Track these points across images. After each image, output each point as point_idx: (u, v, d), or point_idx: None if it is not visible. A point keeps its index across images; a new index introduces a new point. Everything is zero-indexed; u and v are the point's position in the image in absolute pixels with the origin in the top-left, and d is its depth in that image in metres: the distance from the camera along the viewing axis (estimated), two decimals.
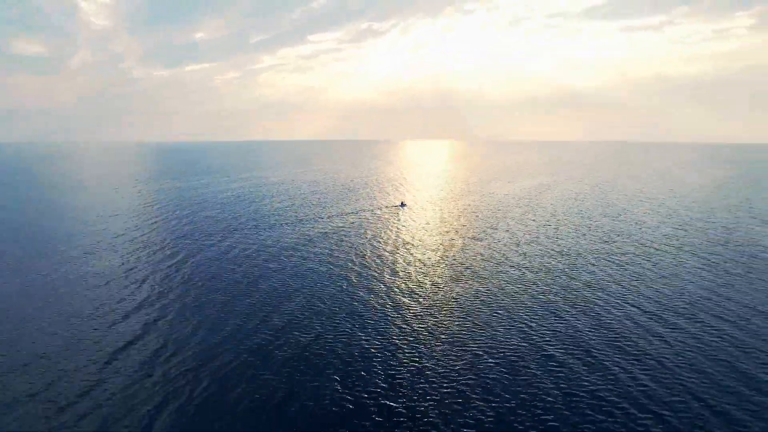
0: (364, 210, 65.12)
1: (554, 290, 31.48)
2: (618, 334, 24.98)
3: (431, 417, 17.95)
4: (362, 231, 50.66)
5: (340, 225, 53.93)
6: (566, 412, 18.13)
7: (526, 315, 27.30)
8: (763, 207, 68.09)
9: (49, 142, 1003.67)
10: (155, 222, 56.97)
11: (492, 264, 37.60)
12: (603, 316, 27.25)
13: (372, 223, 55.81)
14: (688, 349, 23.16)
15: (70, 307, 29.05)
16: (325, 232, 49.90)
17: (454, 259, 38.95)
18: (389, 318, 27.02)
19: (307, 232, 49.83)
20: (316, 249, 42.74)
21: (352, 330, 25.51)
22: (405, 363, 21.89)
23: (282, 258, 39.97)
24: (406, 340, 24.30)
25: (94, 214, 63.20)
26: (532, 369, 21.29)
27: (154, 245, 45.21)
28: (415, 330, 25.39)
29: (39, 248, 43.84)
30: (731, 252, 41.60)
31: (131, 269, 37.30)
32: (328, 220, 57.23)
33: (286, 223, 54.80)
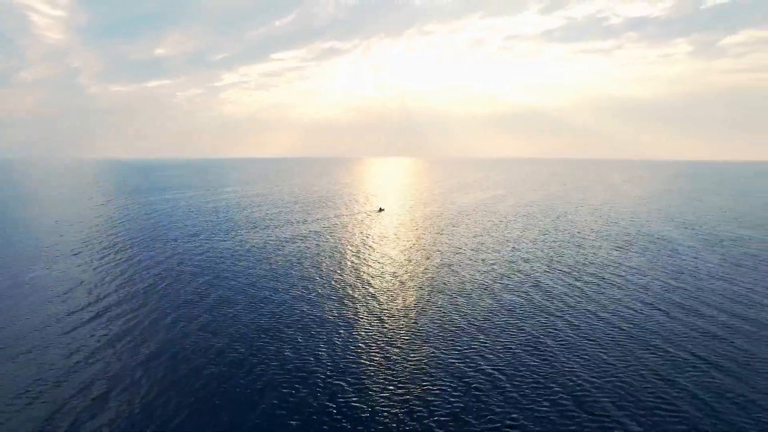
0: (349, 214, 74.61)
1: (498, 265, 42.15)
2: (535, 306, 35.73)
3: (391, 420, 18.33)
4: (352, 229, 60.05)
5: (331, 225, 62.99)
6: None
7: (473, 289, 37.63)
8: (677, 211, 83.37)
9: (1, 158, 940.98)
10: (113, 237, 55.94)
11: (452, 249, 48.01)
12: (529, 294, 38.04)
13: (359, 223, 65.63)
14: (592, 327, 27.07)
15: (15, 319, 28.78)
16: (318, 231, 58.79)
17: (423, 247, 49.09)
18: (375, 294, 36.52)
19: (301, 231, 58.50)
20: (316, 242, 51.63)
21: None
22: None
23: (273, 258, 48.64)
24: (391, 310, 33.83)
25: (45, 228, 61.79)
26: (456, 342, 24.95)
27: (112, 257, 45.24)
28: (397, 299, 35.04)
29: None
30: (643, 240, 54.35)
31: (83, 281, 37.16)
32: (318, 222, 66.12)
33: (276, 226, 63.24)
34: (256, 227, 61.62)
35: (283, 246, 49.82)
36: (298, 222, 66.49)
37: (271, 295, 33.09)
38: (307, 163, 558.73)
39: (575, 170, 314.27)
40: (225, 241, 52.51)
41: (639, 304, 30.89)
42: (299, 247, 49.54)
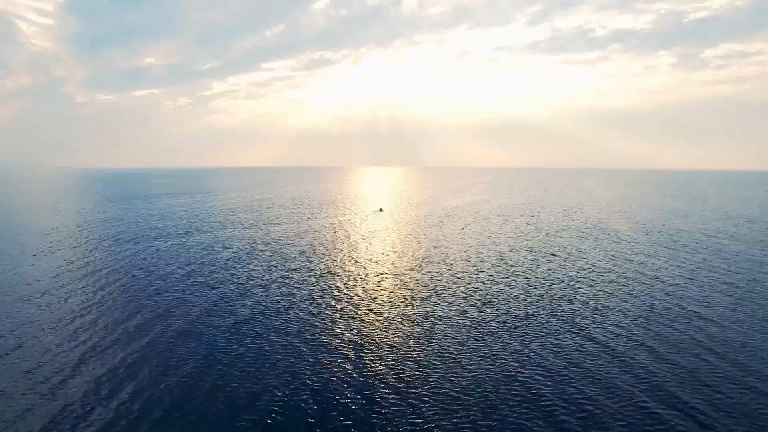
0: (353, 214, 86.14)
1: (475, 248, 53.88)
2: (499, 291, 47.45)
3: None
4: (358, 225, 71.45)
5: (339, 222, 74.24)
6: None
7: (456, 275, 49.24)
8: (631, 210, 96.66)
9: None
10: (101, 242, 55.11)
11: (444, 242, 59.71)
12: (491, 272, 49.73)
13: (364, 220, 77.23)
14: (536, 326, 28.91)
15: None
16: (328, 226, 70.00)
17: (418, 240, 60.70)
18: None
19: (312, 227, 69.61)
20: (329, 235, 62.84)
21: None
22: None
23: (279, 249, 59.68)
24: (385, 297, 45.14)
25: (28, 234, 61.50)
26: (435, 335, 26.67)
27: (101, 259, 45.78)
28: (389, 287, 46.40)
29: None
30: (596, 231, 66.75)
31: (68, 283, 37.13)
32: (327, 219, 77.34)
33: (286, 222, 74.30)
34: (271, 223, 72.55)
35: (300, 237, 60.85)
36: (308, 219, 77.64)
37: (290, 276, 43.66)
38: (299, 172, 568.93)
39: (559, 178, 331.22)
40: (245, 230, 63.36)
41: (576, 269, 42.79)
42: (312, 239, 60.52)
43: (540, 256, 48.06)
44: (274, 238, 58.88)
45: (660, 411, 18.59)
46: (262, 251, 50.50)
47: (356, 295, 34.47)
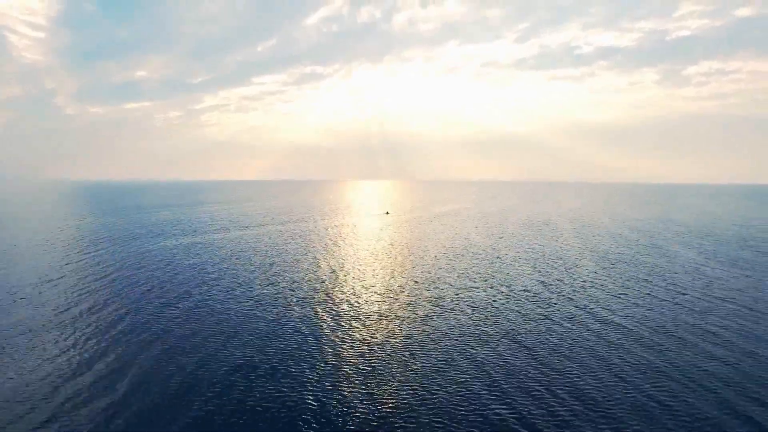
0: (364, 216, 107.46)
1: (459, 239, 75.30)
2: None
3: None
4: (370, 224, 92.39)
5: (353, 223, 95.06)
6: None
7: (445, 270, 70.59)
8: (595, 216, 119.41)
9: None
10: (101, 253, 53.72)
11: (434, 238, 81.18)
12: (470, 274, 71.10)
13: (375, 220, 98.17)
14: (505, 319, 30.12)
15: None
16: (345, 225, 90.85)
17: (413, 233, 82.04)
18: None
19: (330, 225, 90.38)
20: (345, 233, 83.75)
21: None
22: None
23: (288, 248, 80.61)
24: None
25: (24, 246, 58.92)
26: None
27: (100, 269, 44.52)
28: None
29: None
30: (555, 230, 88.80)
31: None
32: (342, 220, 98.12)
33: (292, 221, 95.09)
34: (302, 221, 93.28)
35: (332, 229, 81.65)
36: (324, 219, 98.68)
37: (307, 264, 58.20)
38: (296, 184, 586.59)
39: (540, 190, 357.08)
40: (253, 228, 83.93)
41: (525, 263, 63.97)
42: (334, 235, 77.97)
43: (502, 245, 69.75)
44: (308, 231, 79.56)
45: None
46: (308, 238, 71.29)
47: (387, 264, 55.34)
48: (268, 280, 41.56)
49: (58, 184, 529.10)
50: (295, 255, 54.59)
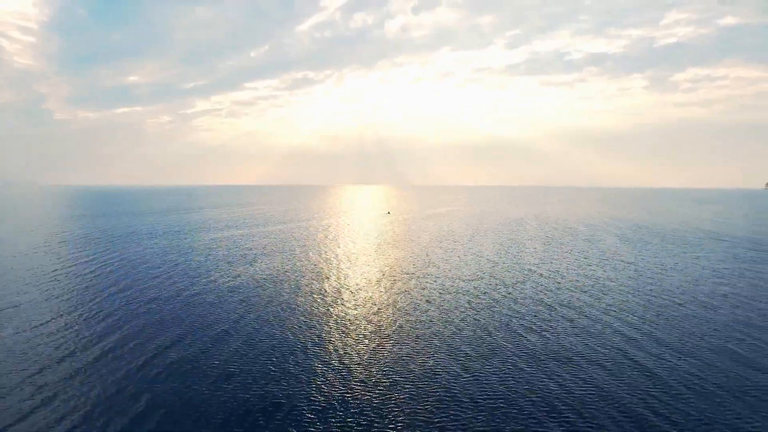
0: (366, 216, 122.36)
1: (450, 234, 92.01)
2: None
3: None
4: (372, 224, 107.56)
5: (355, 222, 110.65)
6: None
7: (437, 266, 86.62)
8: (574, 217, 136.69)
9: None
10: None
11: (428, 235, 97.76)
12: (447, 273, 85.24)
13: (377, 219, 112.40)
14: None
15: None
16: (347, 225, 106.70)
17: (410, 229, 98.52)
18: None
19: (334, 224, 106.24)
20: (350, 231, 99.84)
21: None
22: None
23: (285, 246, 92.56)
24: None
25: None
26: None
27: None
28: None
29: None
30: (537, 230, 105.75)
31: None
32: (344, 220, 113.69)
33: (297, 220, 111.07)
34: (294, 220, 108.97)
35: (326, 230, 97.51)
36: (328, 218, 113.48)
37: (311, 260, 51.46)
38: (288, 190, 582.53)
39: (528, 194, 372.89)
40: (261, 227, 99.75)
41: (507, 257, 79.79)
42: (334, 233, 78.92)
43: (485, 240, 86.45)
44: (313, 231, 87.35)
45: None
46: (310, 236, 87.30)
47: (390, 255, 70.53)
48: (290, 269, 45.46)
49: (49, 190, 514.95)
50: (313, 245, 62.58)
